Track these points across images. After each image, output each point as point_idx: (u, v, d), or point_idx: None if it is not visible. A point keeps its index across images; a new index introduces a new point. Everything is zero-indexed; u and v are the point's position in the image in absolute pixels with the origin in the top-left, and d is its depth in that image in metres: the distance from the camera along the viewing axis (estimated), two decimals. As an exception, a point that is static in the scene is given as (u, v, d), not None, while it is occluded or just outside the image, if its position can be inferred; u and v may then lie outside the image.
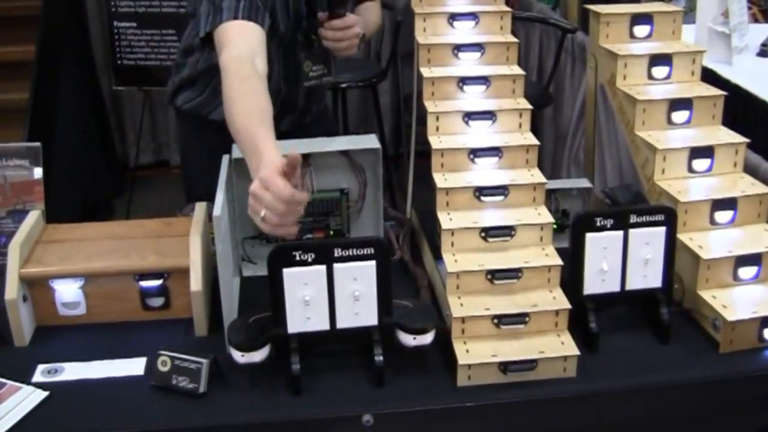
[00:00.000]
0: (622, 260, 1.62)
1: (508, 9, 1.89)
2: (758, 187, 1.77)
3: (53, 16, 4.00)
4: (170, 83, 2.30)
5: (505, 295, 1.60)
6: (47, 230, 1.82)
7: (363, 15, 2.19)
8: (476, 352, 1.52)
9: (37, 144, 1.86)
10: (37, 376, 1.54)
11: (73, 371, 1.56)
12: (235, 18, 1.81)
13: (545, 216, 1.67)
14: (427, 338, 1.53)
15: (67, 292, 1.68)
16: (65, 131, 4.03)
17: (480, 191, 1.67)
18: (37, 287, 1.67)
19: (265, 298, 1.50)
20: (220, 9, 1.82)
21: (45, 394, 1.49)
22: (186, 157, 2.48)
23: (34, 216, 1.79)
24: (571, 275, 1.63)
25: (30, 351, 1.63)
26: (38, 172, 1.85)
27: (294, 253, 1.47)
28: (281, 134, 1.99)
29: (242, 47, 1.77)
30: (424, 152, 1.77)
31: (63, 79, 4.10)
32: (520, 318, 1.56)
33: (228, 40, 1.79)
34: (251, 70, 1.71)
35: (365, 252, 1.48)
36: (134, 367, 1.57)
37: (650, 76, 1.89)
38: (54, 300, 1.68)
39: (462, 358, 1.51)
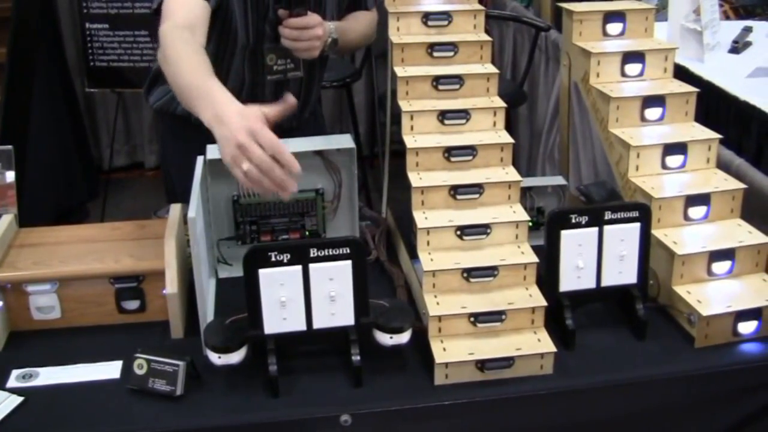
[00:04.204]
0: (598, 257, 1.63)
1: (481, 8, 1.89)
2: (731, 183, 1.78)
3: (25, 19, 3.96)
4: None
5: (482, 293, 1.60)
6: (20, 234, 1.81)
7: (348, 22, 2.17)
8: (453, 351, 1.52)
9: (9, 147, 1.84)
10: (12, 382, 1.53)
11: (49, 376, 1.55)
12: None
13: (520, 214, 1.68)
14: (404, 337, 1.53)
15: (42, 297, 1.67)
16: (38, 134, 3.99)
17: (455, 190, 1.68)
18: (10, 292, 1.66)
19: (241, 299, 1.50)
20: None
21: (20, 399, 1.48)
22: (164, 156, 2.47)
23: (6, 220, 1.78)
24: (547, 272, 1.63)
25: (4, 356, 1.62)
26: (10, 176, 1.83)
27: (269, 253, 1.46)
28: None
29: (182, 18, 1.81)
30: (399, 152, 1.77)
31: (36, 82, 4.06)
32: (497, 316, 1.56)
33: (170, 12, 1.83)
34: (190, 37, 1.76)
35: (341, 252, 1.48)
36: (110, 370, 1.56)
37: (623, 74, 1.90)
38: (28, 304, 1.67)
39: (439, 357, 1.51)
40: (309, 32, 1.98)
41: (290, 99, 1.55)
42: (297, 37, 1.98)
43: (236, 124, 1.45)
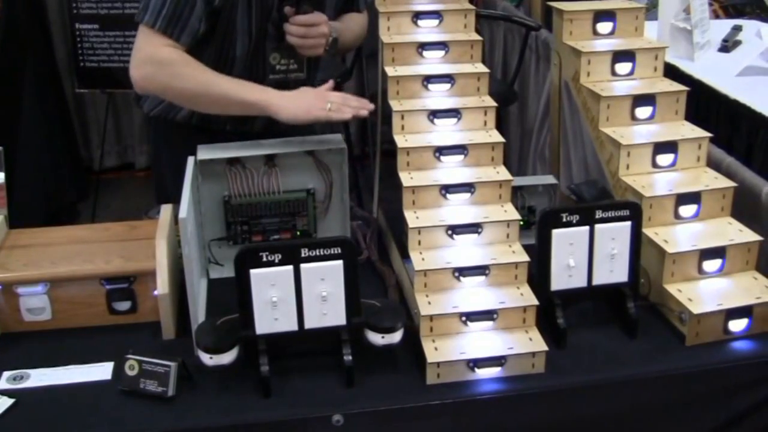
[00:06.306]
0: (589, 256, 1.63)
1: (471, 7, 1.89)
2: (721, 181, 1.79)
3: (14, 19, 3.95)
4: None
5: (473, 293, 1.60)
6: (11, 235, 1.80)
7: (345, 23, 2.17)
8: (445, 350, 1.52)
9: (-1, 148, 1.84)
10: (2, 383, 1.53)
11: (40, 377, 1.54)
12: (153, 26, 1.90)
13: (512, 213, 1.68)
14: (396, 337, 1.53)
15: (32, 298, 1.66)
16: (28, 135, 3.98)
17: (446, 189, 1.68)
18: (1, 293, 1.65)
19: (232, 299, 1.50)
20: (146, 6, 1.91)
21: (11, 401, 1.47)
22: (156, 160, 2.45)
23: (-4, 221, 1.77)
24: (538, 271, 1.63)
25: (-6, 358, 1.61)
26: (0, 177, 1.83)
27: (261, 254, 1.46)
28: (255, 136, 1.99)
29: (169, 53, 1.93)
30: (390, 151, 1.77)
31: (25, 82, 4.04)
32: (488, 315, 1.56)
33: (153, 44, 1.91)
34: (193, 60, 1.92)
35: (332, 252, 1.48)
36: (102, 372, 1.56)
37: (614, 73, 1.90)
38: (19, 306, 1.66)
39: (431, 356, 1.51)
40: (315, 29, 1.99)
41: (329, 84, 1.94)
42: (304, 34, 1.98)
43: (300, 92, 1.90)
